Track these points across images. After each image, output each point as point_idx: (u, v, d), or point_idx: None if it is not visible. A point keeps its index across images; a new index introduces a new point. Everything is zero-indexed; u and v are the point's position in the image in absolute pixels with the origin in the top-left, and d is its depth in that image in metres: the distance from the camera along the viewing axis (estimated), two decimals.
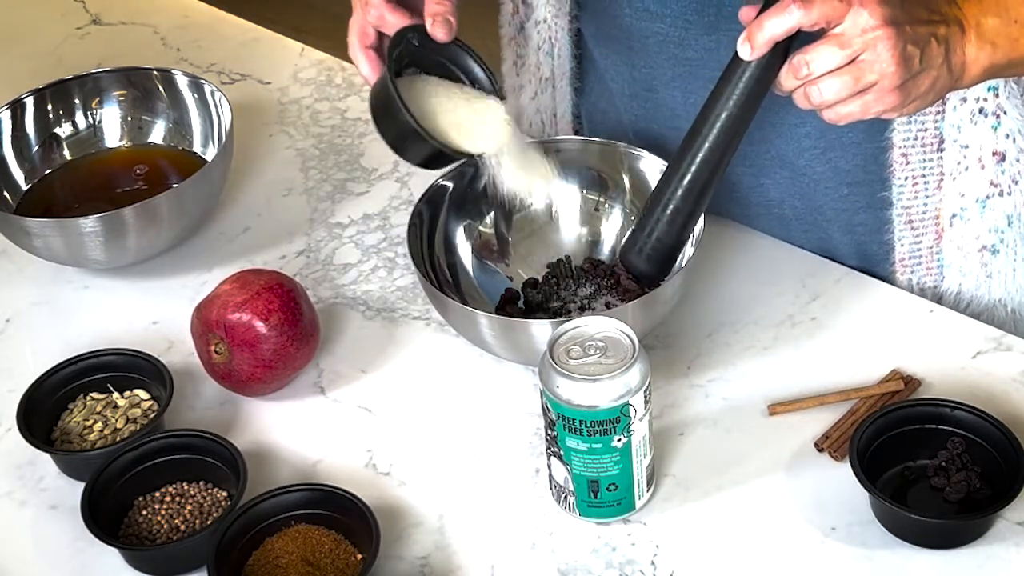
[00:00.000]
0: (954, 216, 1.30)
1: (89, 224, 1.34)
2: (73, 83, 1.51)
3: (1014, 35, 1.13)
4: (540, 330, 1.18)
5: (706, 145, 1.15)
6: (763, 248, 1.38)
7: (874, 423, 1.14)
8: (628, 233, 1.25)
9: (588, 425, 1.09)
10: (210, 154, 1.49)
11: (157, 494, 1.19)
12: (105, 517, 1.16)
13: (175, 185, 1.40)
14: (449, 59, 1.27)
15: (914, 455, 1.15)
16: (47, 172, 1.49)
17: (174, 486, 1.19)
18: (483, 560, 1.14)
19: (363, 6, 1.25)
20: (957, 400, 1.16)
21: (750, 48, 1.09)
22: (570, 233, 1.36)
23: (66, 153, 1.51)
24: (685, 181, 1.18)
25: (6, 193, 1.46)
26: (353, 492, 1.14)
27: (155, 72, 1.52)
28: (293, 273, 1.39)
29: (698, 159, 1.16)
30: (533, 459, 1.21)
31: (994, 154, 1.27)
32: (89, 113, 1.52)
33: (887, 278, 1.35)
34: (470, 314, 1.22)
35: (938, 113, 1.25)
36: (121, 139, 1.53)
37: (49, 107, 1.50)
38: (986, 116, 1.26)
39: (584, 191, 1.36)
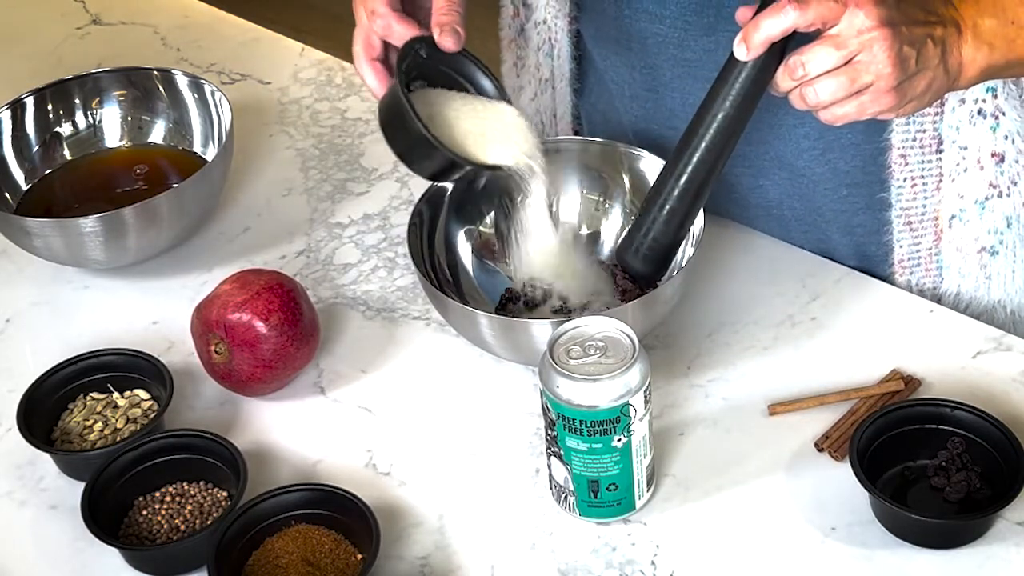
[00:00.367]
0: (953, 217, 1.30)
1: (89, 224, 1.34)
2: (73, 83, 1.51)
3: (1011, 36, 1.13)
4: (540, 330, 1.18)
5: (703, 145, 1.15)
6: (763, 248, 1.38)
7: (874, 423, 1.14)
8: (625, 233, 1.26)
9: (588, 425, 1.09)
10: (210, 154, 1.49)
11: (157, 494, 1.19)
12: (105, 517, 1.16)
13: (175, 185, 1.40)
14: (455, 69, 1.26)
15: (914, 455, 1.15)
16: (47, 172, 1.49)
17: (174, 486, 1.19)
18: (483, 560, 1.14)
19: (368, 15, 1.23)
20: (957, 400, 1.16)
21: (746, 49, 1.09)
22: (570, 233, 1.36)
23: (66, 153, 1.51)
24: (682, 181, 1.18)
25: (6, 193, 1.46)
26: (353, 492, 1.14)
27: (155, 72, 1.52)
28: (293, 273, 1.40)
29: (695, 159, 1.16)
30: (533, 459, 1.21)
31: (993, 155, 1.27)
32: (89, 113, 1.52)
33: (886, 279, 1.35)
34: (470, 314, 1.22)
35: (937, 114, 1.25)
36: (121, 139, 1.53)
37: (49, 107, 1.50)
38: (985, 117, 1.26)
39: (584, 191, 1.36)
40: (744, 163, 1.34)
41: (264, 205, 1.50)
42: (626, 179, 1.34)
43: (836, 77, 1.07)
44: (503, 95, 1.27)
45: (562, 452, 1.12)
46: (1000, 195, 1.29)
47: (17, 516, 1.21)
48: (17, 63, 1.73)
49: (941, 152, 1.27)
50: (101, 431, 1.24)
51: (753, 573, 1.11)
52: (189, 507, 1.17)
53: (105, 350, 1.29)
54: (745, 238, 1.39)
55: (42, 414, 1.25)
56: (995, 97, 1.25)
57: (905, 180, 1.29)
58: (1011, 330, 1.30)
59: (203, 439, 1.20)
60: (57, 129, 1.51)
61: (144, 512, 1.18)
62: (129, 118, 1.53)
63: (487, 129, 1.24)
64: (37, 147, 1.50)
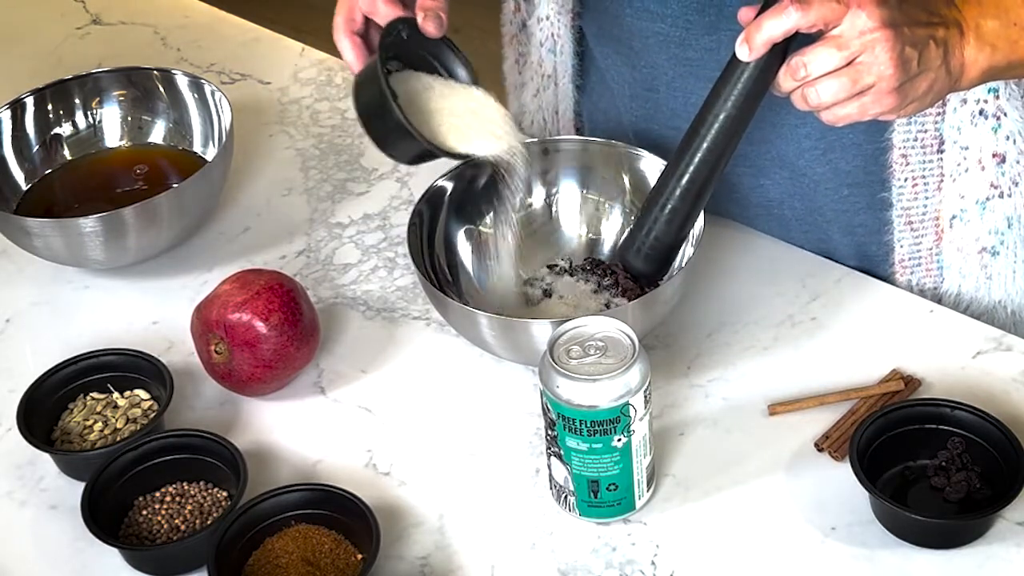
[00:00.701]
0: (954, 217, 1.30)
1: (89, 224, 1.34)
2: (73, 83, 1.51)
3: (1013, 37, 1.12)
4: (540, 330, 1.18)
5: (704, 145, 1.15)
6: (763, 248, 1.38)
7: (874, 423, 1.14)
8: (626, 232, 1.26)
9: (588, 425, 1.09)
10: (210, 154, 1.49)
11: (157, 494, 1.19)
12: (105, 517, 1.16)
13: (175, 185, 1.40)
14: (432, 54, 1.28)
15: (914, 455, 1.15)
16: (47, 172, 1.49)
17: (174, 486, 1.19)
18: (483, 560, 1.14)
19: None
20: (957, 400, 1.16)
21: (748, 49, 1.09)
22: (570, 233, 1.36)
23: (66, 153, 1.51)
24: (683, 181, 1.18)
25: (6, 193, 1.46)
26: (353, 492, 1.14)
27: (155, 72, 1.52)
28: (293, 273, 1.39)
29: (696, 159, 1.16)
30: (533, 459, 1.21)
31: (994, 156, 1.27)
32: (89, 113, 1.52)
33: (887, 279, 1.35)
34: (470, 314, 1.22)
35: (938, 114, 1.25)
36: (121, 139, 1.53)
37: (49, 107, 1.50)
38: (986, 118, 1.25)
39: (584, 191, 1.36)
40: (745, 162, 1.34)
41: (264, 205, 1.50)
42: (626, 179, 1.34)
43: (838, 78, 1.07)
44: (476, 80, 1.28)
45: (562, 452, 1.12)
46: (1001, 195, 1.29)
47: (17, 516, 1.21)
48: (17, 63, 1.73)
49: (942, 152, 1.27)
50: (101, 431, 1.24)
51: (753, 573, 1.11)
52: (189, 507, 1.17)
53: (105, 350, 1.29)
54: (745, 238, 1.39)
55: (42, 414, 1.25)
56: (997, 98, 1.25)
57: (906, 180, 1.29)
58: (1012, 331, 1.30)
59: (203, 439, 1.20)
60: (57, 129, 1.51)
61: (144, 512, 1.18)
62: (129, 118, 1.52)
63: (464, 116, 1.25)
64: (37, 147, 1.50)
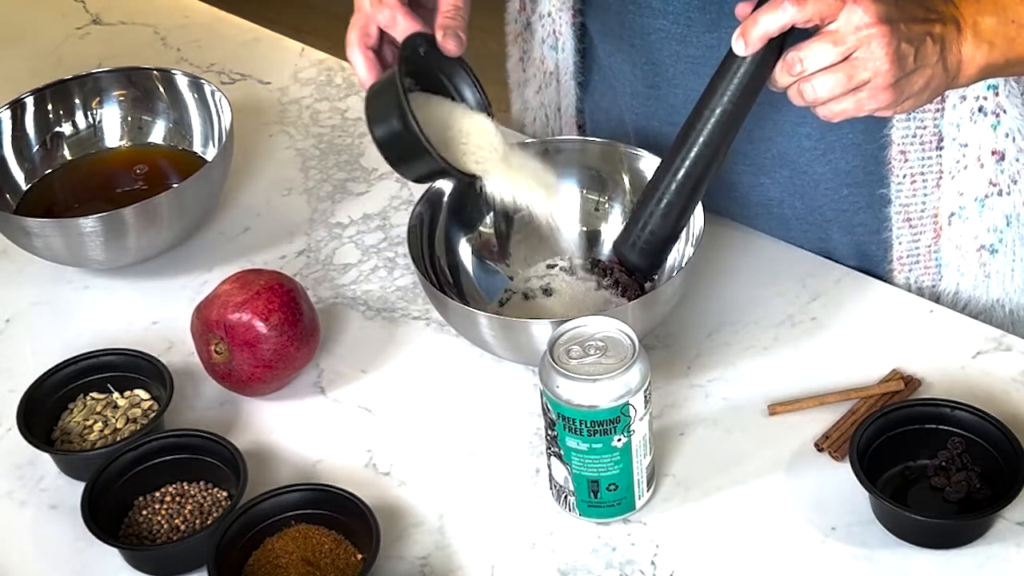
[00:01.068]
0: (953, 215, 1.30)
1: (89, 224, 1.34)
2: (73, 83, 1.51)
3: (1011, 35, 1.13)
4: (540, 330, 1.18)
5: (700, 140, 1.15)
6: (763, 248, 1.38)
7: (874, 423, 1.14)
8: (622, 226, 1.26)
9: (588, 425, 1.09)
10: (210, 154, 1.49)
11: (157, 494, 1.19)
12: (105, 517, 1.16)
13: (175, 185, 1.40)
14: (446, 74, 1.26)
15: (914, 455, 1.15)
16: (47, 172, 1.49)
17: (174, 486, 1.19)
18: (483, 560, 1.14)
19: (374, 3, 1.23)
20: (957, 400, 1.16)
21: (744, 44, 1.09)
22: (570, 233, 1.36)
23: (66, 153, 1.51)
24: (679, 175, 1.18)
25: (6, 193, 1.46)
26: (353, 492, 1.14)
27: (155, 72, 1.52)
28: (293, 273, 1.40)
29: (692, 154, 1.16)
30: (533, 459, 1.21)
31: (993, 153, 1.27)
32: (89, 113, 1.52)
33: (885, 277, 1.35)
34: (470, 314, 1.22)
35: (937, 111, 1.25)
36: (121, 139, 1.53)
37: (49, 107, 1.50)
38: (986, 115, 1.25)
39: (584, 191, 1.36)
40: (745, 161, 1.34)
41: (264, 205, 1.50)
42: (626, 179, 1.34)
43: (834, 73, 1.07)
44: (488, 107, 1.26)
45: (562, 452, 1.12)
46: (1000, 193, 1.29)
47: (17, 516, 1.21)
48: (17, 63, 1.73)
49: (941, 149, 1.27)
50: (101, 431, 1.24)
51: (753, 573, 1.11)
52: (189, 507, 1.17)
53: (105, 350, 1.29)
54: (745, 238, 1.39)
55: (42, 414, 1.25)
56: (996, 95, 1.25)
57: (905, 176, 1.29)
58: (1010, 329, 1.30)
59: (203, 439, 1.20)
60: (57, 129, 1.51)
61: (144, 512, 1.18)
62: (129, 118, 1.53)
63: (456, 136, 1.24)
64: (37, 147, 1.50)
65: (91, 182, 1.49)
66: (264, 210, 1.49)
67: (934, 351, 1.26)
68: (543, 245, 1.36)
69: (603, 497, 1.13)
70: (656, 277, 1.28)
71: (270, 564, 1.12)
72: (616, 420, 1.09)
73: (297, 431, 1.26)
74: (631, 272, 1.27)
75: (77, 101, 1.51)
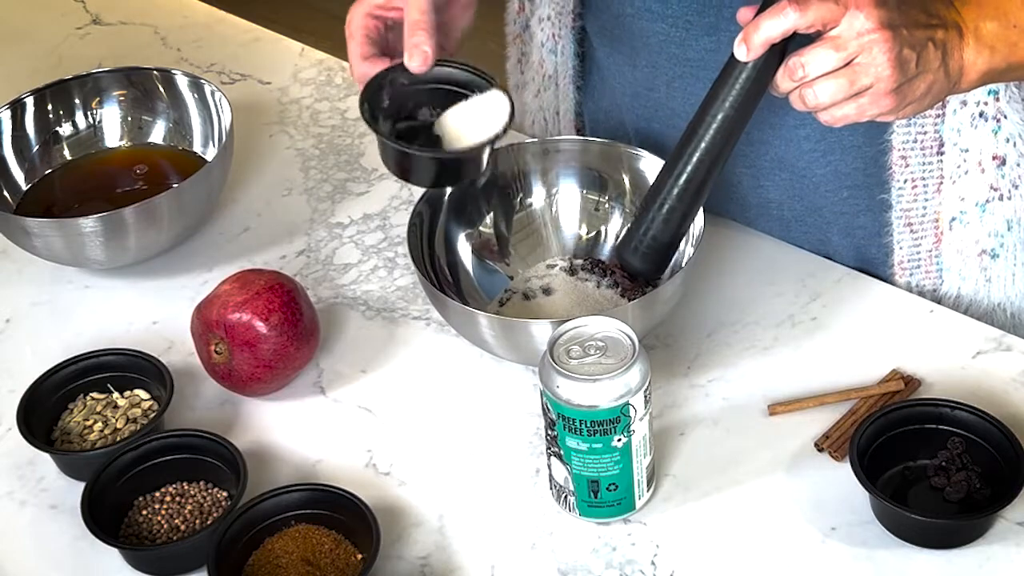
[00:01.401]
0: (953, 220, 1.30)
1: (89, 224, 1.34)
2: (73, 83, 1.51)
3: (1013, 39, 1.12)
4: (540, 330, 1.18)
5: (703, 145, 1.15)
6: (763, 248, 1.38)
7: (874, 423, 1.14)
8: (624, 231, 1.26)
9: (588, 425, 1.09)
10: (210, 154, 1.49)
11: (157, 494, 1.19)
12: (105, 517, 1.16)
13: (175, 185, 1.40)
14: (445, 81, 1.23)
15: (914, 455, 1.15)
16: (47, 172, 1.49)
17: (174, 486, 1.19)
18: (483, 560, 1.14)
19: (348, 38, 1.24)
20: (957, 400, 1.16)
21: (746, 49, 1.09)
22: (570, 233, 1.36)
23: (66, 153, 1.51)
24: (681, 180, 1.18)
25: (6, 193, 1.46)
26: (353, 492, 1.14)
27: (155, 72, 1.52)
28: (293, 273, 1.40)
29: (695, 159, 1.16)
30: (533, 459, 1.21)
31: (994, 158, 1.27)
32: (89, 113, 1.52)
33: (886, 281, 1.34)
34: (470, 314, 1.22)
35: (938, 116, 1.25)
36: (121, 139, 1.53)
37: (49, 107, 1.50)
38: (986, 120, 1.25)
39: (584, 191, 1.36)
40: (745, 163, 1.34)
41: (264, 205, 1.50)
42: (626, 179, 1.34)
43: (836, 79, 1.07)
44: (492, 80, 1.23)
45: (562, 452, 1.12)
46: (1001, 198, 1.29)
47: (17, 516, 1.21)
48: (17, 63, 1.73)
49: (942, 154, 1.27)
50: (101, 431, 1.24)
51: (753, 573, 1.11)
52: (189, 507, 1.17)
53: (105, 350, 1.29)
54: (745, 238, 1.39)
55: (42, 414, 1.25)
56: (997, 100, 1.25)
57: (906, 181, 1.29)
58: (1011, 333, 1.30)
59: (203, 439, 1.20)
60: (57, 129, 1.51)
61: (144, 512, 1.18)
62: (129, 118, 1.53)
63: (468, 122, 1.22)
64: (37, 147, 1.50)
65: (91, 182, 1.49)
66: (264, 210, 1.49)
67: (934, 351, 1.26)
68: (543, 245, 1.36)
69: (603, 497, 1.13)
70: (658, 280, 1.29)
71: (270, 564, 1.12)
72: (616, 420, 1.09)
73: (297, 431, 1.26)
74: (634, 277, 1.27)
75: (77, 101, 1.51)
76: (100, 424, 1.24)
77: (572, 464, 1.12)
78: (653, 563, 1.12)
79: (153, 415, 1.24)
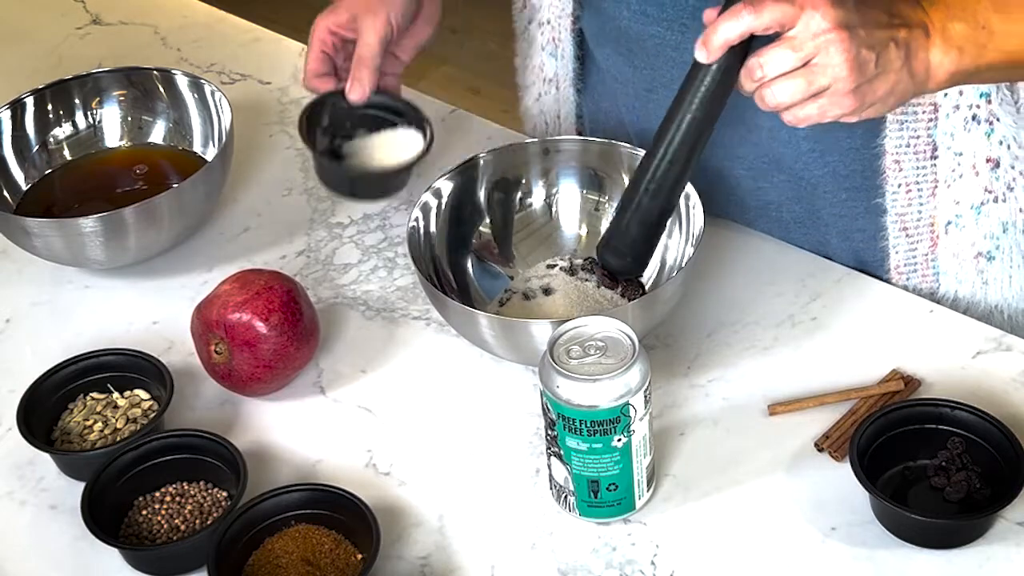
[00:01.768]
0: (949, 223, 1.30)
1: (89, 224, 1.34)
2: (73, 83, 1.51)
3: (981, 41, 1.11)
4: (540, 330, 1.18)
5: (672, 147, 1.16)
6: (763, 248, 1.38)
7: (874, 423, 1.14)
8: (604, 232, 1.26)
9: (588, 425, 1.09)
10: (210, 154, 1.49)
11: (157, 494, 1.19)
12: (105, 517, 1.16)
13: (175, 185, 1.40)
14: (382, 108, 1.34)
15: (914, 455, 1.15)
16: (47, 172, 1.49)
17: (174, 486, 1.19)
18: (483, 560, 1.14)
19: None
20: (957, 400, 1.16)
21: (706, 52, 1.09)
22: (570, 233, 1.36)
23: (66, 153, 1.51)
24: (653, 184, 1.18)
25: (6, 193, 1.46)
26: (353, 492, 1.14)
27: (155, 72, 1.52)
28: (293, 273, 1.40)
29: (666, 160, 1.17)
30: (533, 459, 1.21)
31: (988, 161, 1.27)
32: (89, 113, 1.52)
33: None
34: (470, 314, 1.22)
35: (931, 121, 1.25)
36: (121, 139, 1.53)
37: (49, 107, 1.50)
38: (979, 123, 1.25)
39: (584, 191, 1.36)
40: (743, 165, 1.34)
41: (264, 205, 1.50)
42: (626, 179, 1.33)
43: (793, 79, 1.07)
44: (420, 116, 1.34)
45: (562, 452, 1.12)
46: (996, 200, 1.29)
47: (17, 516, 1.21)
48: (17, 63, 1.73)
49: (936, 158, 1.27)
50: (101, 431, 1.24)
51: (753, 573, 1.11)
52: (189, 507, 1.17)
53: (105, 350, 1.29)
54: (745, 238, 1.39)
55: (42, 414, 1.25)
56: (989, 103, 1.24)
57: (900, 186, 1.28)
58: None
59: (203, 439, 1.20)
60: (57, 129, 1.51)
61: (144, 512, 1.18)
62: (129, 118, 1.53)
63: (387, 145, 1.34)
64: (37, 147, 1.50)
65: (91, 182, 1.49)
66: (264, 210, 1.49)
67: (934, 351, 1.26)
68: (543, 245, 1.36)
69: (603, 497, 1.13)
70: (640, 278, 1.29)
71: (270, 564, 1.12)
72: (616, 420, 1.09)
73: (297, 431, 1.26)
74: (613, 277, 1.28)
75: (77, 101, 1.51)
76: (100, 424, 1.24)
77: (572, 464, 1.12)
78: (653, 563, 1.12)
79: (153, 415, 1.24)
